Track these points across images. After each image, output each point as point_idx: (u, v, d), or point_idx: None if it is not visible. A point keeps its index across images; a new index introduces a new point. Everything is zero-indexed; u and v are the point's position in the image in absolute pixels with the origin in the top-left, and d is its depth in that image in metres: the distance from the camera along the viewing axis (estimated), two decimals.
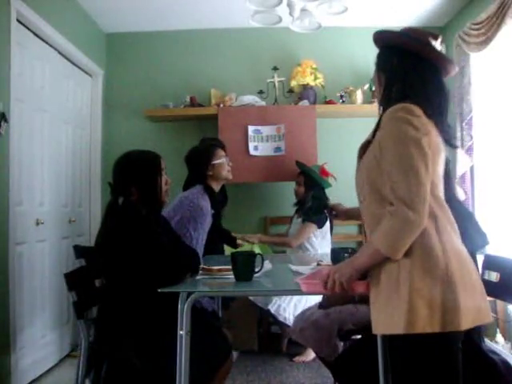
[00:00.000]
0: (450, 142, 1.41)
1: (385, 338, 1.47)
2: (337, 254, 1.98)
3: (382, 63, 1.45)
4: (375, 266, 1.33)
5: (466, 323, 1.22)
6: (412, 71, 1.37)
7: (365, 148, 1.41)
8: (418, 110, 1.29)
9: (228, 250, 3.19)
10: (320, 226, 3.25)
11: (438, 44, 1.39)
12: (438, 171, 1.33)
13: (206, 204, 2.44)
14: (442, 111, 1.38)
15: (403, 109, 1.29)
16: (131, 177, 1.88)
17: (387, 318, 1.27)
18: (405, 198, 1.22)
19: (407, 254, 1.26)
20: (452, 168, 3.29)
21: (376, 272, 1.34)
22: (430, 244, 1.26)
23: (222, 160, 2.66)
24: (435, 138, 1.31)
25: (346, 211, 2.12)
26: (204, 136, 3.20)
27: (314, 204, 3.19)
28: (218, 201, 3.03)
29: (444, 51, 1.42)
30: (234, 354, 3.15)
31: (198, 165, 2.62)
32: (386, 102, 1.40)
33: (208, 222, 2.47)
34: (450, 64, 1.41)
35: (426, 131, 1.28)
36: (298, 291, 1.54)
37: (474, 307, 1.25)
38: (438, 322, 1.20)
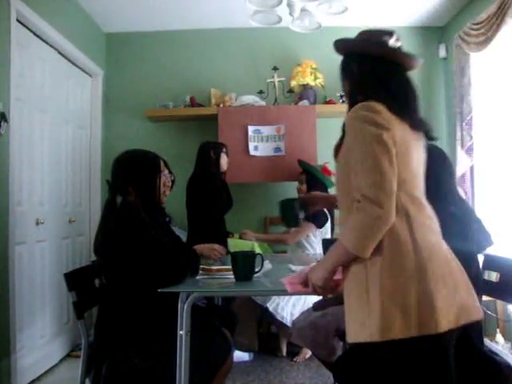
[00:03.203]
0: (428, 135, 1.39)
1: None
2: (328, 245, 2.00)
3: (344, 71, 1.46)
4: (346, 266, 1.30)
5: (445, 324, 1.16)
6: (371, 74, 1.36)
7: (338, 149, 1.40)
8: (378, 106, 1.26)
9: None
10: (319, 226, 3.25)
11: (393, 40, 1.38)
12: (410, 168, 1.29)
13: None
14: (410, 106, 1.35)
15: (362, 107, 1.27)
16: (129, 176, 1.88)
17: (358, 326, 1.21)
18: (370, 194, 1.19)
19: (375, 254, 1.20)
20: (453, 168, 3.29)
21: (345, 275, 1.31)
22: (399, 243, 1.21)
23: None
24: (401, 132, 1.27)
25: (322, 197, 1.98)
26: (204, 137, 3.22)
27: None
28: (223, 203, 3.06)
29: (402, 46, 1.40)
30: (248, 356, 3.17)
31: None
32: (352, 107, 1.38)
33: None
34: (410, 59, 1.39)
35: (387, 126, 1.24)
36: (297, 292, 1.54)
37: (456, 305, 1.19)
38: (415, 325, 1.14)
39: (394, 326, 1.15)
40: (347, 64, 1.44)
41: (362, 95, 1.33)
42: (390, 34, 1.38)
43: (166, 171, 2.04)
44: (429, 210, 1.32)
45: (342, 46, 1.45)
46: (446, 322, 1.16)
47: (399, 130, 1.26)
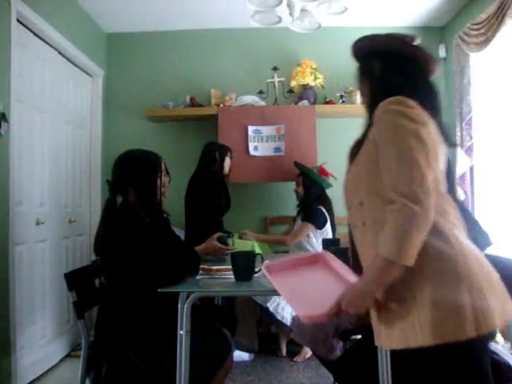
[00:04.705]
0: (448, 140, 1.31)
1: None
2: (328, 245, 2.01)
3: (366, 71, 1.40)
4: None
5: (498, 321, 1.12)
6: (397, 73, 1.31)
7: (357, 149, 1.31)
8: (410, 101, 1.21)
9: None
10: (319, 226, 3.25)
11: (417, 42, 1.36)
12: (439, 167, 1.22)
13: None
14: (437, 106, 1.30)
15: (396, 101, 1.21)
16: (130, 176, 1.88)
17: (405, 330, 1.12)
18: (407, 192, 1.11)
19: (419, 256, 1.11)
20: (453, 167, 3.28)
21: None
22: (444, 243, 1.15)
23: None
24: (434, 128, 1.22)
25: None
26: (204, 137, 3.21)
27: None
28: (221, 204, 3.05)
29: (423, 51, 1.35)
30: (248, 356, 3.16)
31: None
32: (374, 107, 1.28)
33: None
34: (433, 62, 1.34)
35: (423, 121, 1.19)
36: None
37: (499, 306, 1.15)
38: (471, 326, 1.08)
39: (449, 328, 1.09)
40: (369, 63, 1.37)
41: (387, 95, 1.24)
42: (413, 36, 1.35)
43: (165, 172, 2.05)
44: (456, 209, 1.27)
45: (364, 44, 1.40)
46: (498, 320, 1.12)
47: (431, 126, 1.21)
